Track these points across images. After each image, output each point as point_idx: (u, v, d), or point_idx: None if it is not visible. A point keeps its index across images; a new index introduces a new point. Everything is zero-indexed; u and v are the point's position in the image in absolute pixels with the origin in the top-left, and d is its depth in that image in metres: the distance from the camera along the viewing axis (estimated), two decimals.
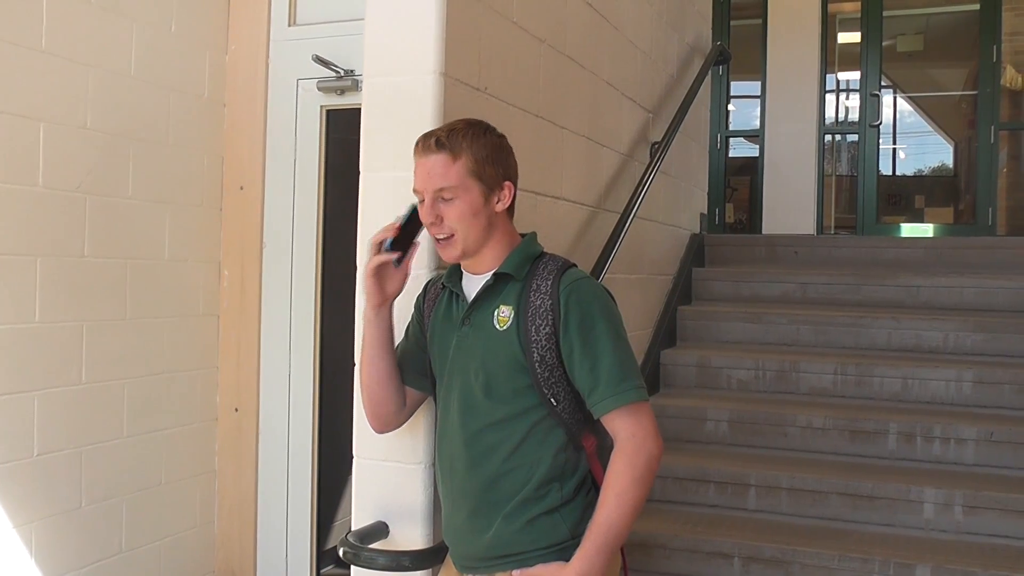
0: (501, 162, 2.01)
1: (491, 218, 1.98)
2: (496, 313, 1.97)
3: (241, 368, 3.79)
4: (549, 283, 1.95)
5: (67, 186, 3.19)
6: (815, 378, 4.00)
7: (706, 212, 5.57)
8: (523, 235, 2.10)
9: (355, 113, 2.55)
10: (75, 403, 3.25)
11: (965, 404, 3.81)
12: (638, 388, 1.90)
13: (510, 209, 2.04)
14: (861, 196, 7.36)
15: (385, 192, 2.41)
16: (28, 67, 3.04)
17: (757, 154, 7.59)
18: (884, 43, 7.58)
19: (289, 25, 3.71)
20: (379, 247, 2.03)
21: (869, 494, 3.30)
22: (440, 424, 2.10)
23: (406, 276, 2.09)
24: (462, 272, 2.08)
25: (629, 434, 1.86)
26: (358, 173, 2.47)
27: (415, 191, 1.99)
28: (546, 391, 1.93)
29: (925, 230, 7.83)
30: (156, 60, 3.53)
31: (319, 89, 3.61)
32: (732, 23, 7.68)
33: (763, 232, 7.06)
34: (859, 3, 7.42)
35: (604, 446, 2.00)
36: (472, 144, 1.95)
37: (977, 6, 7.16)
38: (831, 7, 7.42)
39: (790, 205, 7.14)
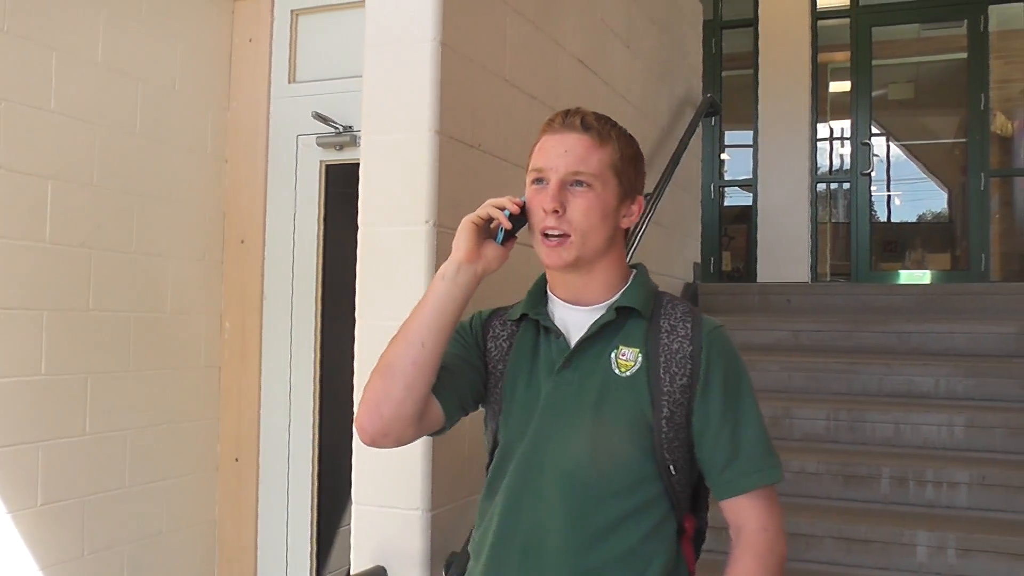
0: (641, 171, 1.69)
1: (615, 231, 1.61)
2: (615, 355, 1.58)
3: (242, 418, 3.84)
4: (689, 327, 1.61)
5: (73, 241, 3.27)
6: (808, 424, 4.02)
7: (699, 261, 5.62)
8: (632, 266, 1.71)
9: (354, 168, 2.62)
10: (79, 453, 3.30)
11: (957, 448, 3.81)
12: (780, 467, 1.59)
13: (626, 235, 1.68)
14: (855, 243, 7.41)
15: (383, 246, 2.47)
16: (38, 126, 3.14)
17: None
18: (876, 92, 7.66)
19: (289, 82, 3.82)
20: (495, 210, 1.60)
21: (863, 538, 3.31)
22: (510, 490, 1.61)
23: (503, 258, 1.62)
24: (547, 301, 1.68)
25: (760, 526, 1.56)
26: (357, 226, 2.54)
27: (536, 170, 1.61)
28: (667, 455, 1.55)
29: (920, 276, 7.84)
30: (160, 118, 3.63)
31: (318, 145, 3.70)
32: (724, 74, 7.76)
33: (758, 280, 7.07)
34: (849, 53, 7.52)
35: (700, 531, 1.69)
36: (620, 137, 1.64)
37: (965, 55, 7.25)
38: (822, 57, 7.51)
39: (785, 253, 7.16)
